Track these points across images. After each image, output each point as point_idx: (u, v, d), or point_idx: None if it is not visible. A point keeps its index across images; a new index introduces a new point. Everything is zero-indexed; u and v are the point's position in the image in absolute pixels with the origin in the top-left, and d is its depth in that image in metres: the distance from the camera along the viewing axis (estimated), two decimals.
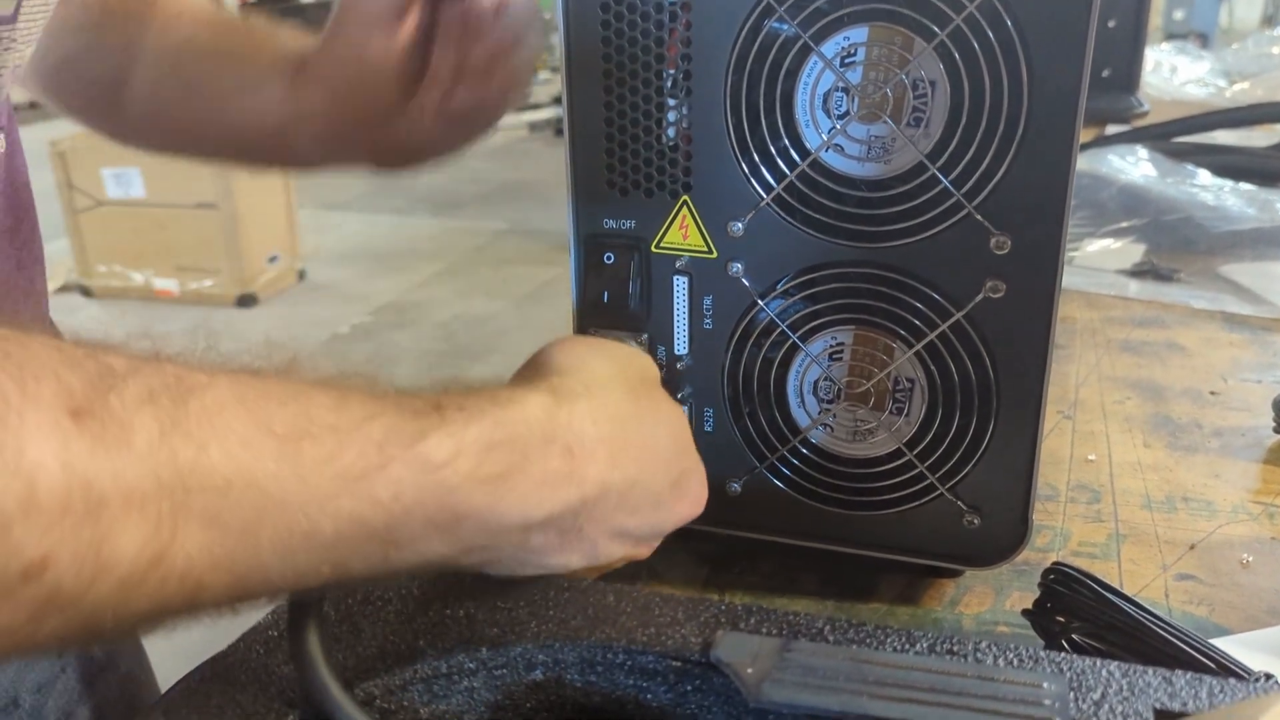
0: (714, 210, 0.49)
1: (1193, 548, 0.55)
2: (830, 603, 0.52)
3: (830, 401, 0.51)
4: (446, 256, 4.26)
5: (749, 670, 0.34)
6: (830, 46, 0.45)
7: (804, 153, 0.47)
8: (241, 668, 0.37)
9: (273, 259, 3.81)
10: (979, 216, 0.45)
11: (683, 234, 0.50)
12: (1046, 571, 0.47)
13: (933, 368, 0.49)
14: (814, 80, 0.46)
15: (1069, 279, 0.93)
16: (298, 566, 0.30)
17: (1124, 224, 1.01)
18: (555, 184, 5.20)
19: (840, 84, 0.45)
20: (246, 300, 3.70)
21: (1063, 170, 0.44)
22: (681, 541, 0.56)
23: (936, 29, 0.43)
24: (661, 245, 0.50)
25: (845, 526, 0.52)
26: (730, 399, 0.52)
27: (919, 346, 0.48)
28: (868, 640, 0.36)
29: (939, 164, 0.45)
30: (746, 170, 0.48)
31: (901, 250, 0.47)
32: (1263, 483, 0.61)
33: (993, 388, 0.48)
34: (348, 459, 0.30)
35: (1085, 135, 1.25)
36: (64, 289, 3.84)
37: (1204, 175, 1.09)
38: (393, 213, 4.82)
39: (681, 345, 0.51)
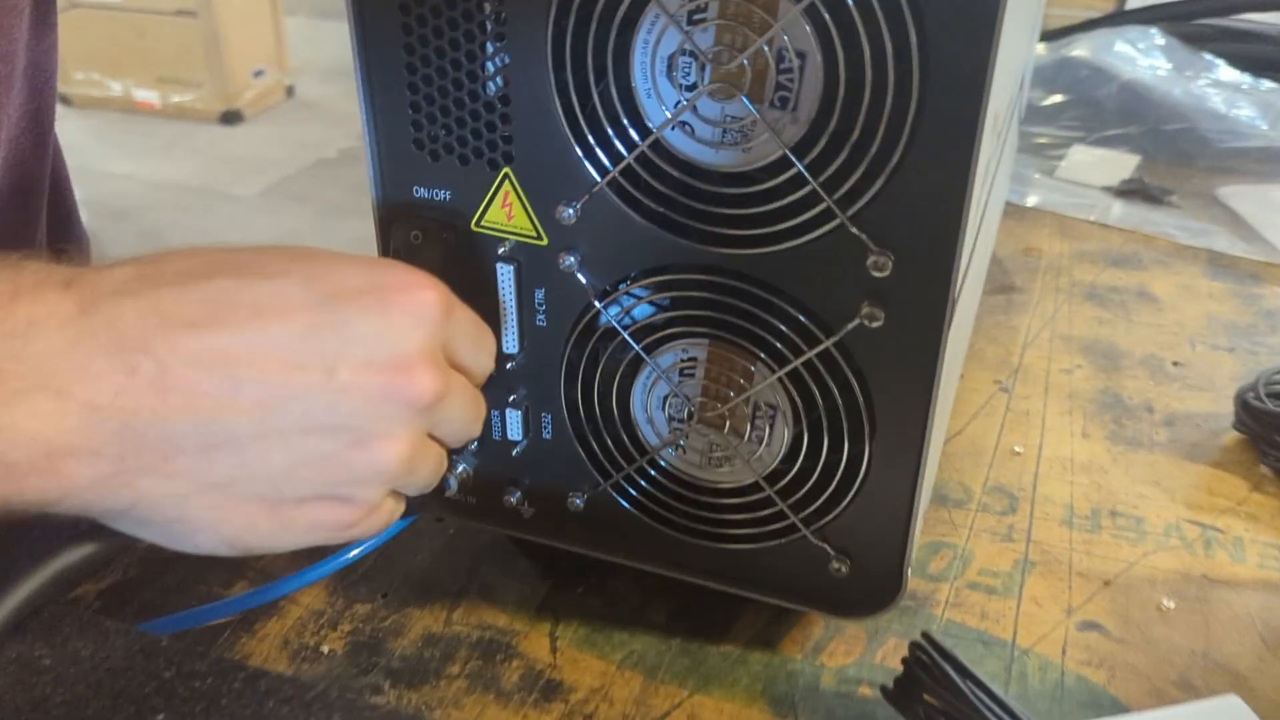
0: (542, 189, 0.39)
1: (1107, 584, 0.48)
2: (676, 641, 0.45)
3: (682, 421, 0.42)
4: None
5: None
6: None
7: (644, 130, 0.37)
8: None
9: (258, 73, 3.64)
10: (854, 229, 0.36)
11: (506, 213, 0.40)
12: (914, 645, 0.39)
13: (797, 397, 0.40)
14: (655, 38, 0.35)
15: (1044, 196, 0.83)
16: None
17: (1118, 130, 0.89)
18: None
19: (686, 46, 0.35)
20: (230, 117, 3.55)
21: (961, 177, 0.34)
22: (521, 549, 0.49)
23: None
24: (482, 224, 0.41)
25: (698, 556, 0.45)
26: (569, 407, 0.44)
27: (781, 373, 0.39)
28: None
29: (807, 159, 0.35)
30: (576, 145, 0.38)
31: (763, 259, 0.38)
32: (1207, 494, 0.53)
33: (866, 424, 0.39)
34: None
35: (1101, 4, 1.11)
36: None
37: (1223, 69, 0.96)
38: None
39: (511, 343, 0.43)
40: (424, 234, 0.41)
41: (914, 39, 0.32)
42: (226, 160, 3.34)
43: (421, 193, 0.41)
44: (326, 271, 0.32)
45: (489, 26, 0.37)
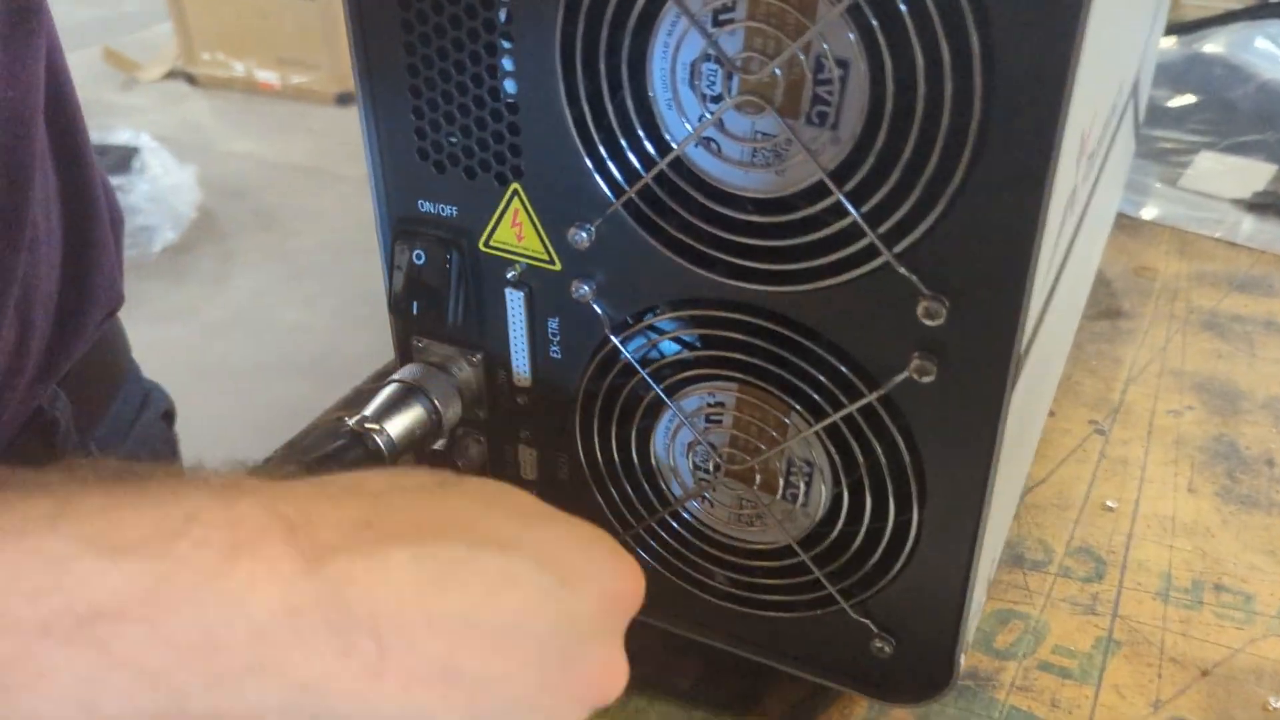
0: (554, 208, 0.35)
1: (1205, 674, 0.41)
2: (699, 713, 0.41)
3: (708, 472, 0.37)
4: None
5: None
6: None
7: (664, 146, 0.32)
8: None
9: None
10: (902, 269, 0.30)
11: (516, 233, 0.36)
12: None
13: (836, 455, 0.35)
14: (675, 41, 0.30)
15: (1164, 208, 0.75)
16: None
17: (1254, 136, 0.80)
18: None
19: (710, 51, 0.30)
20: (345, 99, 3.60)
21: (1031, 211, 0.28)
22: None
23: None
24: (491, 244, 0.37)
25: (726, 620, 0.40)
26: (585, 448, 0.39)
27: (817, 427, 0.34)
28: None
29: (849, 185, 0.30)
30: (590, 160, 0.33)
31: (798, 298, 0.32)
32: None
33: (914, 490, 0.34)
34: None
35: None
36: (171, 75, 3.81)
37: None
38: None
39: (522, 373, 0.39)
40: (426, 254, 0.37)
41: (976, 43, 0.27)
42: (339, 141, 3.39)
43: (427, 207, 0.37)
44: (556, 543, 0.29)
45: (495, 25, 0.33)
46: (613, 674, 0.29)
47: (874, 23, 0.27)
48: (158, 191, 2.75)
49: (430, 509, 0.27)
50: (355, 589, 0.24)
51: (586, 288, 0.35)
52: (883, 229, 0.30)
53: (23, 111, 0.43)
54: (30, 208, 0.46)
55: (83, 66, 3.57)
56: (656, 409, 0.37)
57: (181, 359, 2.12)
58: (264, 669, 0.23)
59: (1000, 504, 0.36)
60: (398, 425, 0.37)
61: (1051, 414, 0.56)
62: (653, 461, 0.38)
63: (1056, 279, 0.37)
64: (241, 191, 3.08)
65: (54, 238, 0.50)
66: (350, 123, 3.55)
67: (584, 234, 0.34)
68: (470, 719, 0.26)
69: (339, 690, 0.24)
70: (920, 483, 0.34)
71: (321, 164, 3.24)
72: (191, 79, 3.78)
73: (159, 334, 2.33)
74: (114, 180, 2.60)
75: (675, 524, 0.39)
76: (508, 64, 0.33)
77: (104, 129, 2.87)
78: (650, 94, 0.31)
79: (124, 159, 2.72)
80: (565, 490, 0.40)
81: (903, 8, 0.27)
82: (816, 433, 0.34)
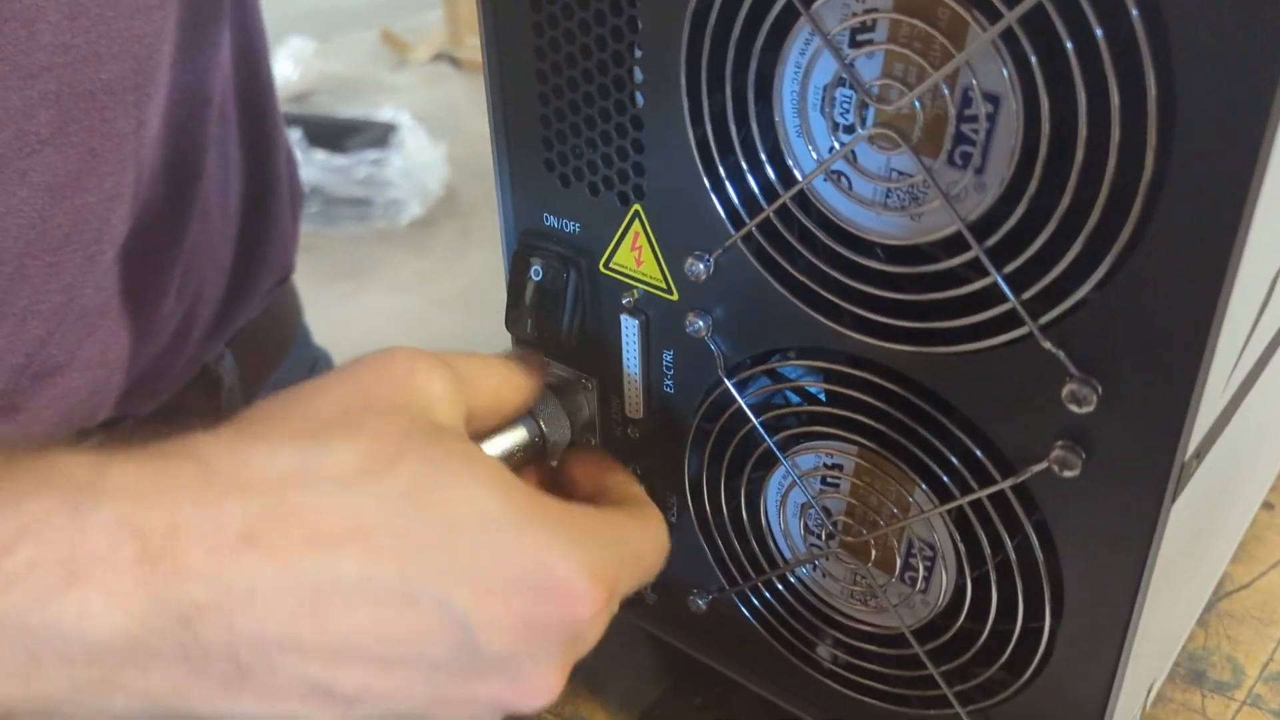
0: (674, 234, 0.32)
1: None
2: None
3: (820, 539, 0.34)
4: None
5: None
6: (831, 8, 0.26)
7: (789, 176, 0.29)
8: None
9: None
10: (1048, 344, 0.25)
11: (635, 257, 0.34)
12: None
13: (961, 542, 0.30)
14: (808, 61, 0.27)
15: None
16: None
17: None
18: None
19: (844, 76, 0.26)
20: None
21: (1213, 282, 0.23)
22: (643, 638, 0.42)
23: (1004, 5, 0.23)
24: (611, 266, 0.34)
25: (830, 698, 0.36)
26: (693, 492, 0.36)
27: (942, 509, 0.30)
28: None
29: (992, 241, 0.25)
30: (711, 187, 0.30)
31: (929, 361, 0.28)
32: None
33: (1047, 595, 0.29)
34: None
35: None
36: (438, 57, 4.01)
37: None
38: None
39: (636, 408, 0.36)
40: (545, 269, 0.35)
41: (1153, 82, 0.22)
42: None
43: (551, 221, 0.35)
44: (482, 562, 0.25)
45: (624, 33, 0.30)
46: (526, 692, 0.26)
47: (1031, 52, 0.23)
48: (410, 167, 2.89)
49: (334, 511, 0.24)
50: (210, 623, 0.22)
51: (701, 323, 0.32)
52: (1028, 294, 0.25)
53: (199, 94, 0.45)
54: (201, 183, 0.47)
55: (362, 46, 3.82)
56: (770, 461, 0.34)
57: (409, 330, 2.23)
58: (106, 683, 0.22)
59: (1165, 614, 0.31)
60: (497, 446, 0.35)
61: (1268, 506, 0.48)
62: (762, 516, 0.35)
63: (1263, 362, 0.30)
64: (485, 173, 3.21)
65: (230, 211, 0.52)
66: None
67: (702, 265, 0.31)
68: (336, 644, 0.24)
69: (194, 700, 0.23)
70: (1055, 587, 0.29)
71: None
72: (455, 62, 3.96)
73: (395, 303, 2.46)
74: (370, 154, 2.75)
75: (782, 588, 0.36)
76: (636, 75, 0.31)
77: (371, 105, 3.05)
78: (778, 118, 0.28)
79: (383, 135, 2.87)
80: (675, 531, 0.37)
81: (1064, 35, 0.22)
82: (940, 515, 0.30)
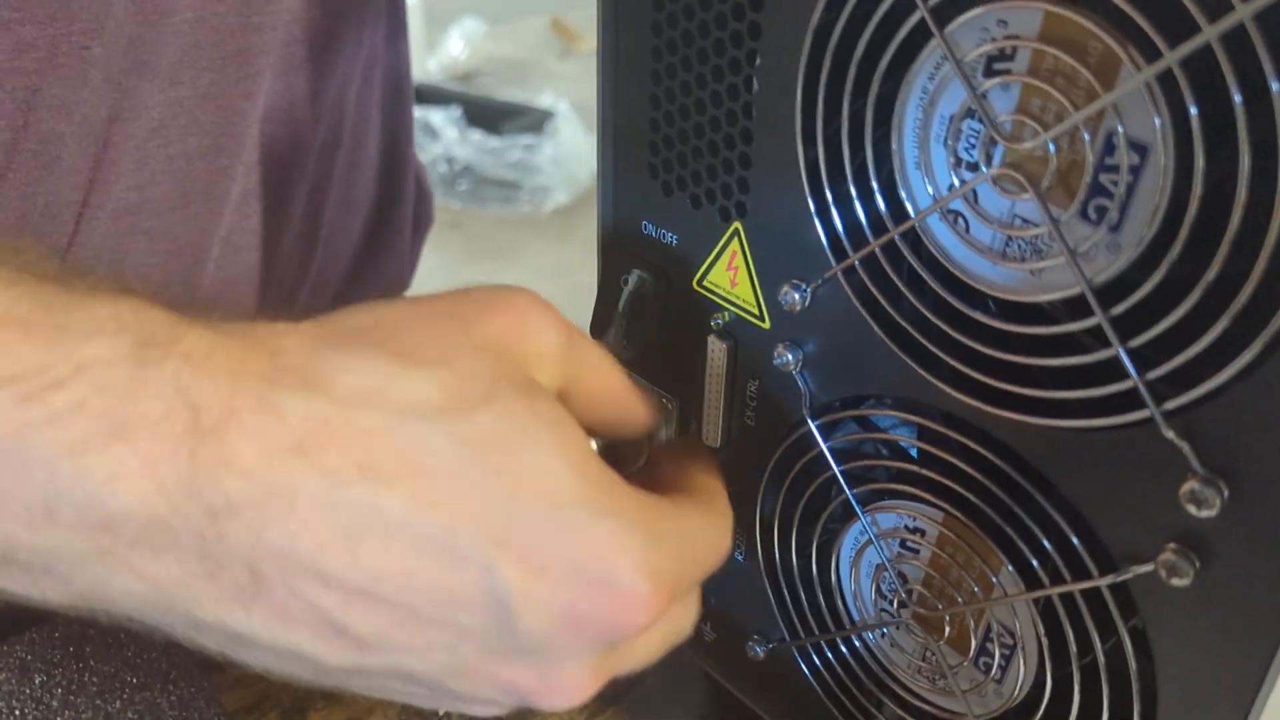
0: (772, 258, 0.30)
1: None
2: None
3: (892, 606, 0.31)
4: None
5: None
6: (968, 31, 0.23)
7: (901, 210, 0.26)
8: None
9: None
10: (1171, 433, 0.22)
11: (731, 277, 0.31)
12: None
13: (1044, 635, 0.27)
14: (936, 88, 0.24)
15: None
16: None
17: None
18: None
19: (975, 107, 0.24)
20: None
21: None
22: (696, 673, 0.40)
23: (1165, 44, 0.20)
24: (704, 284, 0.32)
25: None
26: (763, 536, 0.34)
27: (1027, 596, 0.27)
28: None
29: (1119, 309, 0.22)
30: (816, 213, 0.28)
31: (1033, 432, 0.25)
32: None
33: (1137, 707, 0.26)
34: None
35: None
36: None
37: None
38: None
39: (714, 435, 0.34)
40: (638, 278, 0.33)
41: None
42: None
43: (650, 229, 0.33)
44: (546, 536, 0.23)
45: (743, 39, 0.28)
46: (552, 687, 0.24)
47: (1191, 102, 0.20)
48: (561, 155, 2.92)
49: (397, 443, 0.22)
50: (238, 524, 0.21)
51: (791, 356, 0.30)
52: (1155, 374, 0.22)
53: (319, 135, 0.45)
54: (326, 211, 0.48)
55: (532, 32, 3.88)
56: (848, 514, 0.31)
57: None
58: (112, 557, 0.21)
59: None
60: None
61: None
62: (833, 573, 0.32)
63: None
64: None
65: (350, 235, 0.52)
66: None
67: (797, 295, 0.29)
68: (350, 670, 0.23)
69: (196, 603, 0.21)
70: (1147, 703, 0.26)
71: None
72: None
73: (533, 288, 2.49)
74: (524, 140, 2.78)
75: (845, 650, 0.33)
76: (754, 85, 0.28)
77: (532, 91, 3.09)
78: (895, 147, 0.26)
79: (539, 121, 2.91)
80: (740, 570, 0.35)
81: (1235, 94, 0.19)
82: (1026, 602, 0.27)
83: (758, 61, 0.28)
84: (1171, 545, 0.23)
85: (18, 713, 0.36)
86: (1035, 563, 0.26)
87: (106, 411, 0.20)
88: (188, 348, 0.21)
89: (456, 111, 2.91)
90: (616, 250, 0.34)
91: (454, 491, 0.22)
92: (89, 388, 0.20)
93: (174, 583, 0.21)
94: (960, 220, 0.25)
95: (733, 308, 0.32)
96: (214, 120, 0.40)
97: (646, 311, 0.34)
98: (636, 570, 0.23)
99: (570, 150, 2.89)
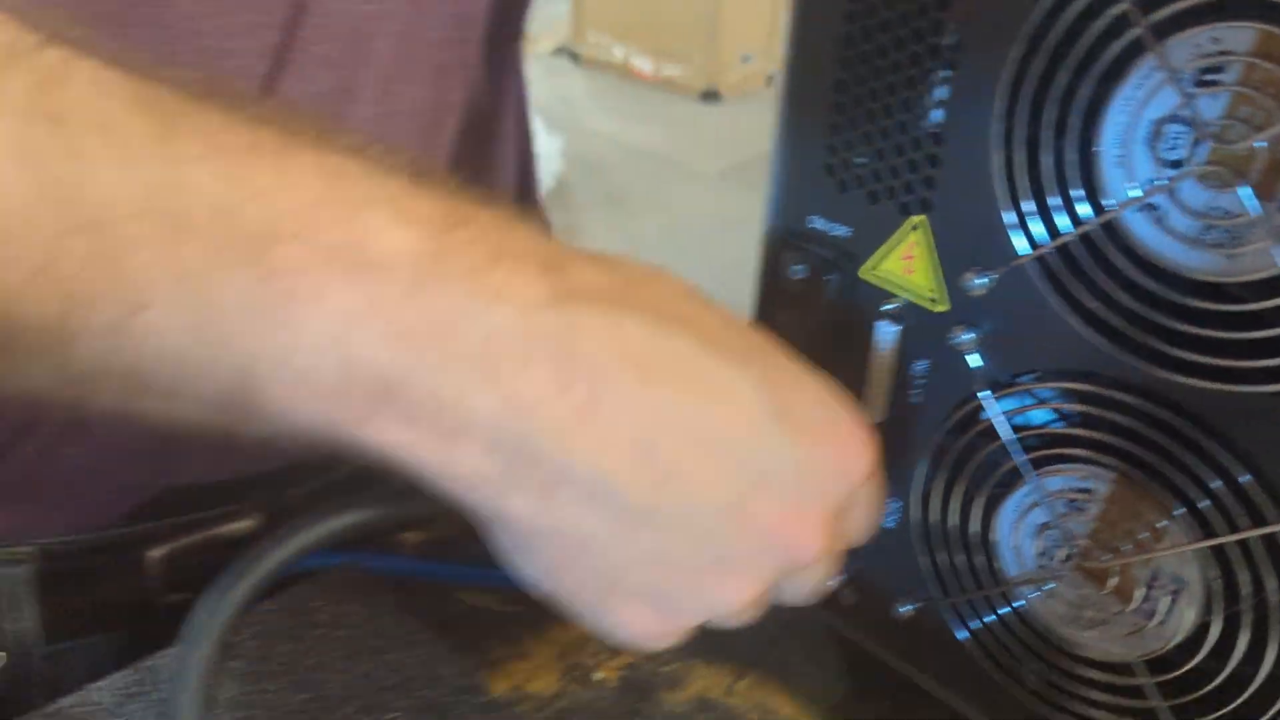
0: (954, 248, 0.33)
1: None
2: None
3: (1054, 561, 0.34)
4: None
5: None
6: (1182, 48, 0.27)
7: (1099, 204, 0.30)
8: None
9: (746, 58, 3.75)
10: None
11: (905, 266, 0.35)
12: None
13: (1216, 580, 0.31)
14: (1144, 96, 0.28)
15: None
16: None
17: None
18: None
19: (1184, 111, 0.27)
20: (710, 95, 3.69)
21: None
22: (832, 636, 0.43)
23: None
24: (875, 273, 0.35)
25: (1027, 717, 0.37)
26: (923, 503, 0.37)
27: (1203, 545, 0.30)
28: None
29: None
30: (1008, 205, 0.31)
31: (1217, 397, 0.29)
32: None
33: None
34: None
35: None
36: (559, 51, 4.06)
37: None
38: None
39: (876, 413, 0.37)
40: (808, 269, 0.36)
41: None
42: (697, 136, 3.49)
43: (818, 224, 0.36)
44: (783, 383, 0.29)
45: (941, 50, 0.31)
46: (803, 537, 0.28)
47: None
48: None
49: (675, 306, 0.28)
50: (586, 337, 0.25)
51: (969, 335, 0.33)
52: None
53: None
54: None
55: None
56: (1011, 479, 0.34)
57: None
58: (485, 372, 0.24)
59: None
60: None
61: None
62: (992, 533, 0.36)
63: None
64: (596, 168, 3.24)
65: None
66: (710, 119, 3.64)
67: (983, 281, 0.32)
68: (650, 505, 0.27)
69: (545, 419, 0.25)
70: None
71: (677, 156, 3.35)
72: (575, 57, 4.01)
73: None
74: None
75: (998, 605, 0.36)
76: (942, 92, 0.32)
77: None
78: (1097, 147, 0.29)
79: None
80: (888, 538, 0.38)
81: None
82: (1200, 551, 0.30)
83: (950, 71, 0.31)
84: None
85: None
86: (1211, 511, 0.30)
87: (492, 245, 0.25)
88: (559, 259, 0.26)
89: None
90: (783, 243, 0.37)
91: (763, 377, 0.28)
92: (480, 229, 0.25)
93: (530, 397, 0.25)
94: (1158, 211, 0.28)
95: (905, 293, 0.35)
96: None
97: (815, 300, 0.37)
98: (862, 438, 0.30)
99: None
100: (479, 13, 0.45)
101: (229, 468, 0.45)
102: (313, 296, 0.23)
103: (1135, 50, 0.27)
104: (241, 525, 0.46)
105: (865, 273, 0.36)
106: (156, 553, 0.45)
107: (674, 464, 0.26)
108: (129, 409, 0.25)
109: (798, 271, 0.36)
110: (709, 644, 0.42)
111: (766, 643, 0.43)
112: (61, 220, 0.21)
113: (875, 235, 0.35)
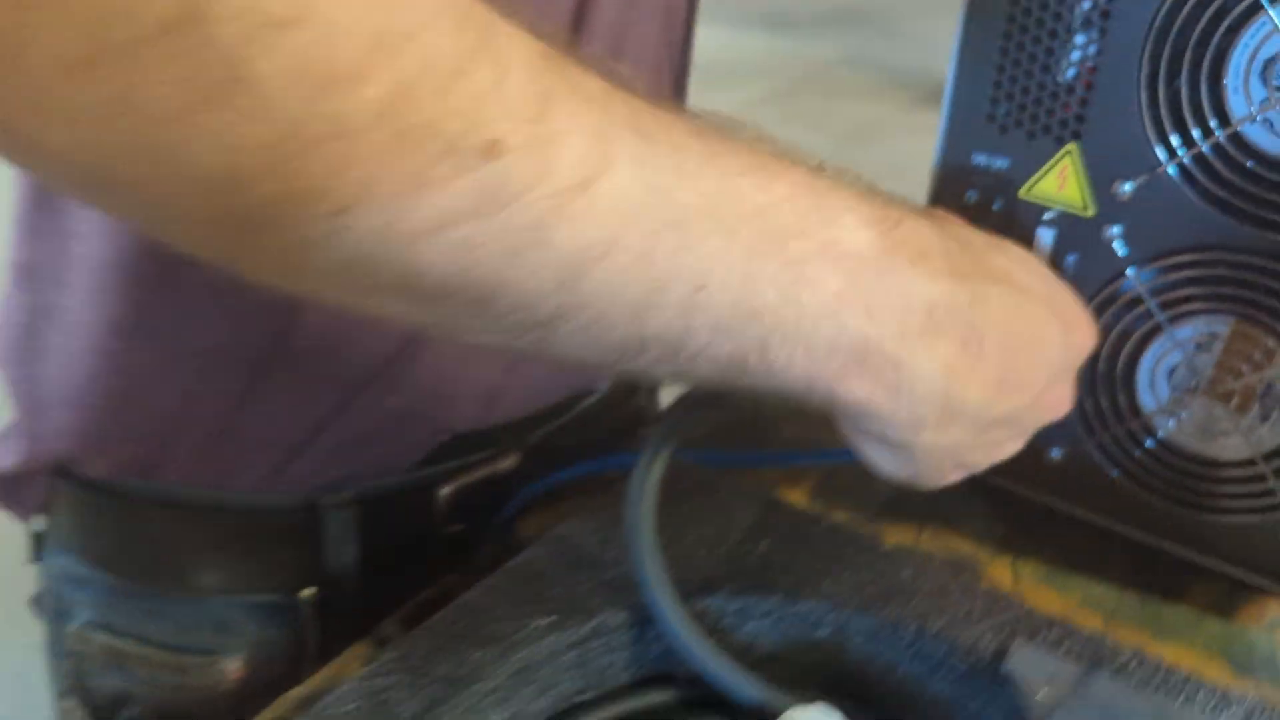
0: (1101, 164, 0.45)
1: None
2: (1133, 593, 0.49)
3: (1186, 392, 0.46)
4: (772, 80, 4.18)
5: (1041, 692, 0.33)
6: None
7: (1225, 120, 0.42)
8: None
9: None
10: None
11: (1059, 184, 0.46)
12: None
13: None
14: (1257, 43, 0.40)
15: None
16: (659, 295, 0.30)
17: None
18: (898, 13, 4.95)
19: None
20: None
21: None
22: (980, 495, 0.55)
23: None
24: (1032, 193, 0.47)
25: (1170, 521, 0.49)
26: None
27: None
28: (1176, 690, 0.34)
29: None
30: (1151, 127, 0.43)
31: None
32: None
33: None
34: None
35: None
36: None
37: None
38: (724, 24, 4.74)
39: None
40: (980, 195, 0.47)
41: None
42: None
43: (980, 159, 0.47)
44: (1059, 299, 0.41)
45: (1093, 14, 0.43)
46: (1065, 404, 0.42)
47: None
48: None
49: (1014, 272, 0.39)
50: (979, 308, 0.35)
51: (1117, 229, 0.45)
52: None
53: None
54: None
55: None
56: (1148, 335, 0.46)
57: None
58: (928, 340, 0.34)
59: None
60: None
61: None
62: (1134, 381, 0.47)
63: None
64: None
65: None
66: None
67: (1129, 187, 0.44)
68: (998, 412, 0.37)
69: (955, 375, 0.35)
70: None
71: None
72: None
73: None
74: None
75: (1142, 434, 0.48)
76: (1087, 38, 0.43)
77: None
78: (1222, 80, 0.41)
79: None
80: None
81: None
82: None
83: (1106, 24, 0.42)
84: None
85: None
86: None
87: (917, 240, 0.35)
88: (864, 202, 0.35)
89: None
90: (951, 177, 0.48)
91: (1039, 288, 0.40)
92: (909, 229, 0.35)
93: (950, 358, 0.34)
94: (1270, 123, 0.41)
95: (1059, 206, 0.46)
96: None
97: (981, 219, 0.48)
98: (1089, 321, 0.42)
99: None
100: None
101: (493, 418, 0.53)
102: (816, 280, 0.31)
103: (1254, 9, 0.39)
104: (505, 464, 0.54)
105: (1024, 193, 0.47)
106: (445, 490, 0.52)
107: (1016, 383, 0.37)
108: (652, 369, 0.32)
109: (971, 196, 0.47)
110: (888, 508, 0.53)
111: (927, 502, 0.54)
112: (658, 218, 0.28)
113: (1033, 163, 0.46)
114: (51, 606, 0.53)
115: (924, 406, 0.35)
